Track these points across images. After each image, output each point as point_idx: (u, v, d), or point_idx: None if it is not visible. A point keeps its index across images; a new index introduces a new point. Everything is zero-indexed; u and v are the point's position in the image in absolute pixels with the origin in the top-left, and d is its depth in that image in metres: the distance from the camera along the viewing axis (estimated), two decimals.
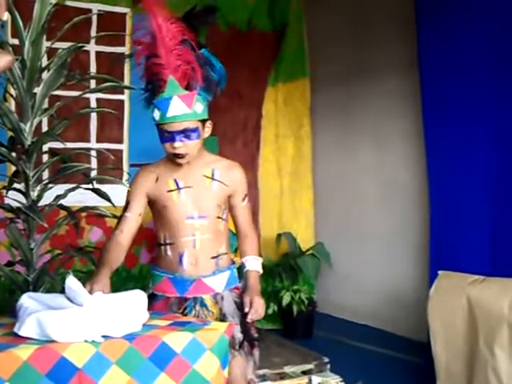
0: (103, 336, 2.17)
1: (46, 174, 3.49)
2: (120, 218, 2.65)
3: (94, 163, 4.83)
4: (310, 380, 3.89)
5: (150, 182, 2.62)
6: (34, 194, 3.01)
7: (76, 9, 4.66)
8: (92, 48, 5.23)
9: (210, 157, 2.70)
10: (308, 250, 5.77)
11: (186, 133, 2.47)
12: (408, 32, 4.76)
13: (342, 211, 5.91)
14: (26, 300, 2.34)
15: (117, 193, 3.99)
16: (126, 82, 5.34)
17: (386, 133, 5.38)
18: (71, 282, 2.26)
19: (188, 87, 2.47)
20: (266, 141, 6.05)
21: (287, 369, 3.99)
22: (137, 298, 2.37)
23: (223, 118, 5.85)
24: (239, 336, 2.60)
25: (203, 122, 2.55)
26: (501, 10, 3.88)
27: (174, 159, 2.56)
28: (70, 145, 3.53)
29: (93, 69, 5.23)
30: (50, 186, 3.08)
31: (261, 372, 3.88)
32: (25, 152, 2.96)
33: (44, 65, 3.05)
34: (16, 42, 2.97)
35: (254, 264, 2.75)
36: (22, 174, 2.99)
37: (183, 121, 2.46)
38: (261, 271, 2.76)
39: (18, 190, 3.05)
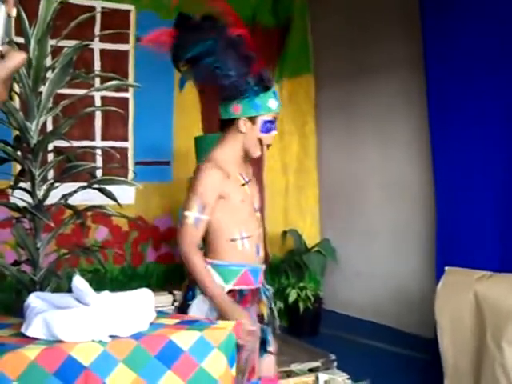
0: (110, 335, 2.17)
1: (51, 173, 3.48)
2: (197, 223, 2.57)
3: (99, 161, 4.83)
4: (317, 377, 3.88)
5: (222, 180, 2.59)
6: (40, 193, 3.01)
7: (80, 6, 4.65)
8: (96, 45, 5.23)
9: None
10: (314, 246, 5.77)
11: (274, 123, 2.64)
12: (413, 29, 4.75)
13: (348, 208, 5.90)
14: (34, 300, 2.33)
15: (122, 191, 4.00)
16: (131, 79, 5.35)
17: (391, 130, 5.37)
18: (78, 282, 2.26)
19: None
20: None
21: (294, 366, 3.99)
22: (144, 297, 2.37)
23: None
24: (277, 322, 2.74)
25: None
26: (506, 8, 3.86)
27: (256, 151, 2.67)
28: (75, 143, 3.54)
29: (97, 66, 5.23)
30: (56, 184, 3.08)
31: None
32: (30, 151, 2.96)
33: (49, 63, 3.05)
34: (21, 40, 2.97)
35: None
36: (27, 173, 2.99)
37: (278, 112, 2.65)
38: None
39: (24, 189, 3.05)
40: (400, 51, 5.21)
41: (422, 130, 4.76)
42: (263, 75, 2.60)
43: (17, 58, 0.96)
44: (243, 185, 2.65)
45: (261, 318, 2.66)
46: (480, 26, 4.01)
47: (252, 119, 2.61)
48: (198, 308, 2.55)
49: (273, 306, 2.74)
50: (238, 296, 2.60)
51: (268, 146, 2.66)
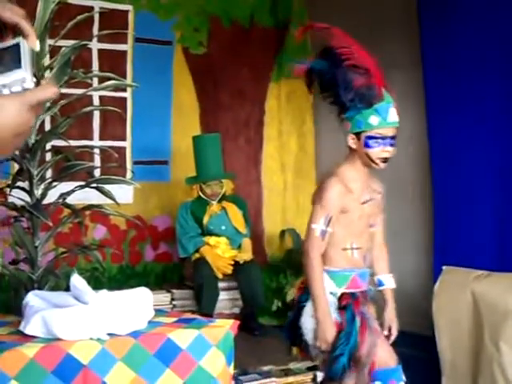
0: (108, 333, 2.17)
1: (49, 172, 3.48)
2: (323, 235, 2.74)
3: (97, 161, 4.83)
4: (315, 376, 3.89)
5: (344, 195, 2.74)
6: (38, 193, 3.01)
7: (78, 6, 4.65)
8: (94, 45, 5.23)
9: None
10: None
11: (394, 139, 2.71)
12: (411, 31, 4.75)
13: None
14: (32, 298, 2.34)
15: (120, 190, 4.00)
16: (129, 79, 5.35)
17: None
18: (76, 280, 2.27)
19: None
20: (269, 137, 6.04)
21: (292, 365, 4.00)
22: (142, 296, 2.38)
23: (226, 114, 5.85)
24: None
25: None
26: (504, 9, 3.87)
27: (372, 165, 2.75)
28: (73, 142, 3.54)
29: (95, 66, 5.22)
30: (54, 184, 3.08)
31: (265, 368, 3.89)
32: (28, 150, 2.96)
33: (47, 63, 3.05)
34: None
35: (391, 282, 2.95)
36: (25, 173, 2.99)
37: (395, 127, 2.71)
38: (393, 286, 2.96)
39: (22, 189, 3.05)
40: (399, 54, 5.21)
41: (420, 131, 4.76)
42: (366, 92, 2.68)
43: (49, 90, 0.98)
44: (363, 203, 2.77)
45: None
46: (478, 30, 4.03)
47: (357, 135, 2.73)
48: (311, 310, 2.76)
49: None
50: (351, 298, 2.76)
51: (383, 159, 2.71)
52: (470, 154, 4.10)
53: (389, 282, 2.93)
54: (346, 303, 2.74)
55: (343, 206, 2.73)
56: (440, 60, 4.25)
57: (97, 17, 5.09)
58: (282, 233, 5.77)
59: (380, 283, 2.95)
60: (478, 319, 3.49)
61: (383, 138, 2.69)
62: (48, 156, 3.54)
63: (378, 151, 2.70)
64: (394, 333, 2.94)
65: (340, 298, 2.76)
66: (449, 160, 4.09)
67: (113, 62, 5.30)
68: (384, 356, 2.81)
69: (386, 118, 2.69)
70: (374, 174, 2.89)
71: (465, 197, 3.88)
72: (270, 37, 6.00)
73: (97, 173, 4.48)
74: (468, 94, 4.09)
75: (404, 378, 2.88)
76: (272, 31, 6.01)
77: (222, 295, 4.81)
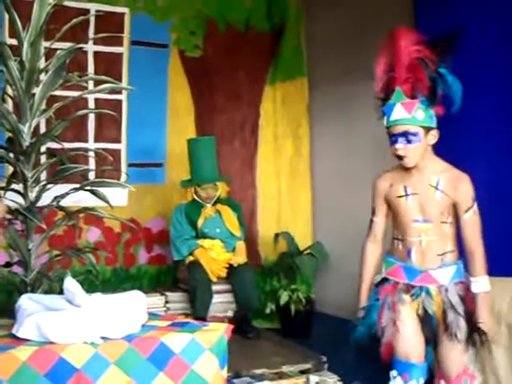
0: (102, 337, 2.17)
1: (44, 175, 3.49)
2: (370, 223, 3.06)
3: (92, 163, 4.83)
4: (308, 379, 3.88)
5: (385, 187, 2.94)
6: (32, 195, 3.02)
7: (74, 9, 4.66)
8: (90, 48, 5.23)
9: (441, 165, 2.85)
10: (306, 249, 5.77)
11: (407, 136, 2.72)
12: None
13: (341, 211, 5.91)
14: (25, 301, 2.34)
15: (114, 193, 4.00)
16: (124, 82, 5.35)
17: (385, 133, 5.37)
18: (69, 284, 2.27)
19: (413, 97, 2.75)
20: (265, 140, 6.04)
21: (285, 368, 3.99)
22: (135, 299, 2.38)
23: (221, 117, 5.85)
24: (463, 324, 2.76)
25: (428, 129, 2.75)
26: (499, 9, 3.88)
27: (399, 162, 2.81)
28: (67, 145, 3.54)
29: (91, 69, 5.22)
30: (49, 186, 3.08)
31: (258, 371, 3.89)
32: (23, 153, 2.96)
33: (42, 65, 3.05)
34: (14, 42, 2.97)
35: (478, 287, 2.82)
36: (20, 175, 3.00)
37: (403, 124, 2.73)
38: (487, 289, 2.85)
39: (16, 191, 3.06)
40: None
41: None
42: (384, 89, 2.87)
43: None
44: (399, 197, 2.86)
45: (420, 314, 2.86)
46: (473, 30, 4.04)
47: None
48: None
49: (427, 306, 2.85)
50: (386, 283, 2.91)
51: (399, 157, 2.78)
52: (465, 156, 4.11)
53: (474, 287, 2.82)
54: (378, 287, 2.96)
55: (386, 198, 2.94)
56: None
57: (93, 19, 5.09)
58: (277, 236, 5.77)
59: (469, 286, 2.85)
60: None
61: (393, 135, 2.78)
62: (43, 159, 3.54)
63: (392, 148, 2.80)
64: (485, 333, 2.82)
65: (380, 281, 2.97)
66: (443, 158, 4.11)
67: (108, 65, 5.30)
68: (406, 349, 2.83)
69: (389, 117, 2.81)
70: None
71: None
72: (266, 40, 6.00)
73: (91, 175, 4.52)
74: (463, 96, 4.11)
75: (422, 378, 2.86)
76: (268, 35, 6.01)
77: (216, 298, 4.81)
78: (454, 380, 2.80)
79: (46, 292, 2.98)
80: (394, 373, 2.90)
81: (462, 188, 2.76)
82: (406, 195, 2.84)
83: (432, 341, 2.88)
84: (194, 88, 5.74)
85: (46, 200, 3.12)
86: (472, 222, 2.79)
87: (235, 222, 5.01)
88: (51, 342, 2.11)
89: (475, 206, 2.78)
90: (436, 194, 2.78)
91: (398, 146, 2.74)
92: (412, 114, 2.72)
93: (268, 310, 5.53)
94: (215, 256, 4.86)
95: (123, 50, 5.41)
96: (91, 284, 3.66)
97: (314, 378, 3.89)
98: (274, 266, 5.76)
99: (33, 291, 2.95)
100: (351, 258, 5.70)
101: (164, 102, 5.62)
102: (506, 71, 3.90)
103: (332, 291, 5.93)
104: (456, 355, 2.79)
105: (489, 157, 4.01)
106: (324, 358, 4.11)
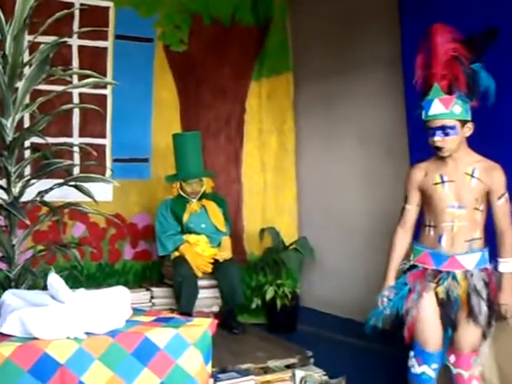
0: (86, 333, 2.17)
1: (27, 170, 3.46)
2: (402, 211, 3.28)
3: (76, 158, 4.81)
4: (294, 374, 3.89)
5: (419, 176, 3.15)
6: (15, 191, 3.00)
7: (58, 2, 4.62)
8: (74, 42, 5.20)
9: (474, 156, 3.07)
10: (291, 244, 5.78)
11: (444, 129, 2.94)
12: (392, 29, 4.76)
13: (326, 206, 5.92)
14: (8, 297, 2.33)
15: (99, 188, 3.98)
16: (109, 76, 5.33)
17: (370, 128, 5.39)
18: (53, 279, 2.26)
19: (450, 92, 2.96)
20: (250, 136, 6.04)
21: (271, 363, 3.99)
22: (119, 295, 2.37)
23: (206, 112, 5.84)
24: (485, 309, 2.97)
25: (464, 122, 2.98)
26: (483, 10, 3.90)
27: (437, 152, 3.04)
28: (52, 140, 3.51)
29: (75, 63, 5.19)
30: (32, 181, 3.06)
31: (244, 366, 3.89)
32: (6, 148, 2.94)
33: (26, 59, 3.03)
34: None
35: (506, 267, 3.02)
36: (3, 170, 2.98)
37: (441, 119, 2.94)
38: None
39: (0, 187, 3.04)
40: (380, 50, 5.23)
41: (400, 128, 4.78)
42: (423, 85, 3.06)
43: None
44: (435, 184, 3.07)
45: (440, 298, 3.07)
46: (457, 28, 4.05)
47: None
48: None
49: (452, 290, 3.03)
50: (415, 270, 3.12)
51: (438, 148, 3.00)
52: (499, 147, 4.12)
53: (502, 267, 3.02)
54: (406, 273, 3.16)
55: (420, 186, 3.16)
56: None
57: (77, 13, 5.06)
58: (262, 231, 5.78)
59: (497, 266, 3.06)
60: None
61: (431, 128, 2.99)
62: (26, 153, 3.52)
63: (430, 140, 3.01)
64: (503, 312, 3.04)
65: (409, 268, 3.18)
66: (428, 155, 4.12)
67: (93, 59, 5.27)
68: (424, 336, 3.07)
69: (427, 111, 3.00)
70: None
71: None
72: (251, 35, 6.00)
73: (76, 170, 4.49)
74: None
75: (435, 364, 3.08)
76: (253, 30, 6.01)
77: (202, 293, 4.81)
78: (464, 355, 3.02)
79: (30, 287, 2.96)
80: (411, 353, 3.16)
81: (496, 176, 3.00)
82: (443, 182, 3.05)
83: (451, 325, 3.09)
84: (179, 83, 5.73)
85: (29, 195, 3.10)
86: (504, 208, 3.03)
87: (220, 217, 5.01)
88: (35, 338, 2.10)
89: (507, 195, 3.03)
90: (472, 182, 3.01)
91: (436, 138, 2.96)
92: (449, 109, 2.94)
93: (254, 305, 5.54)
94: (200, 251, 4.86)
95: (108, 44, 5.39)
96: (76, 279, 3.64)
97: (299, 372, 3.89)
98: (260, 261, 5.77)
99: (17, 287, 2.93)
100: (336, 252, 5.74)
101: (149, 97, 5.60)
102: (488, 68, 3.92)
103: (317, 286, 5.95)
104: (472, 336, 3.00)
105: None
106: (310, 353, 4.12)
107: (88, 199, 3.17)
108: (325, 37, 5.86)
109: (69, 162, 3.22)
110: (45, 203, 3.06)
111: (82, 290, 2.29)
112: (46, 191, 3.03)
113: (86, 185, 3.13)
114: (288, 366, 4.00)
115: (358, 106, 5.49)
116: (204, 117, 5.83)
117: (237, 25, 5.94)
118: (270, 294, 5.46)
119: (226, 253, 4.91)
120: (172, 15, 5.65)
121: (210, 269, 4.83)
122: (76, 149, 4.56)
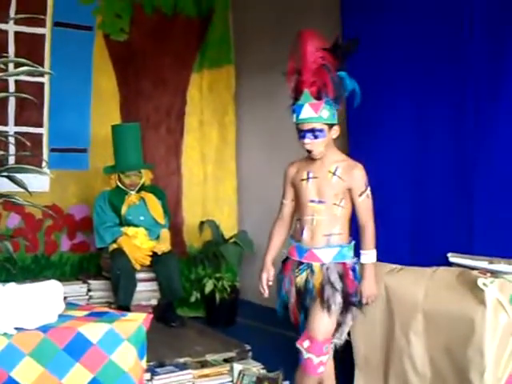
0: (16, 328, 2.12)
1: None
2: (280, 205, 3.42)
3: (11, 148, 4.68)
4: (232, 368, 3.90)
5: (292, 173, 3.32)
6: None
7: None
8: (11, 28, 5.07)
9: (339, 156, 3.25)
10: (231, 237, 5.78)
11: (314, 132, 3.09)
12: (333, 23, 4.79)
13: (266, 199, 5.90)
14: None
15: (35, 178, 3.89)
16: (47, 65, 5.21)
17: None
18: None
19: (319, 98, 3.08)
20: (190, 127, 6.00)
21: (209, 357, 3.99)
22: (51, 289, 2.32)
23: (147, 103, 5.78)
24: (339, 300, 3.13)
25: (331, 125, 3.13)
26: (423, 12, 3.97)
27: (308, 154, 3.19)
28: None
29: (11, 50, 5.05)
30: None
31: (182, 360, 3.88)
32: None
33: None
34: None
35: (366, 258, 3.25)
36: None
37: (310, 122, 3.08)
38: (373, 261, 3.27)
39: None
40: None
41: (340, 122, 4.83)
42: (294, 90, 3.14)
43: None
44: (302, 180, 3.23)
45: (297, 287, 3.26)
46: (398, 29, 4.12)
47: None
48: None
49: (308, 281, 3.21)
50: (287, 261, 3.30)
51: (308, 151, 3.16)
52: (387, 153, 4.19)
53: (363, 258, 3.25)
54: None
55: (292, 182, 3.31)
56: (360, 54, 4.31)
57: None
58: (202, 224, 5.75)
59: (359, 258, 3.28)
60: (390, 312, 3.56)
61: (301, 131, 3.12)
62: None
63: (301, 142, 3.15)
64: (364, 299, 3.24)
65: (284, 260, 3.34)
66: (365, 158, 4.17)
67: (30, 46, 5.15)
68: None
69: (298, 115, 3.11)
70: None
71: (380, 196, 3.95)
72: (193, 26, 5.95)
73: (10, 160, 4.38)
74: (386, 94, 4.18)
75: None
76: (195, 21, 5.96)
77: (140, 286, 4.77)
78: (318, 342, 3.16)
79: None
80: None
81: (356, 174, 3.17)
82: (308, 178, 3.23)
83: (304, 313, 3.32)
84: (119, 73, 5.65)
85: None
86: (365, 204, 3.21)
87: (159, 209, 4.97)
88: None
89: (368, 191, 3.20)
90: (333, 179, 3.17)
91: (306, 140, 3.12)
92: (318, 114, 3.08)
93: (193, 299, 5.52)
94: (139, 244, 4.82)
95: (45, 31, 5.26)
96: (9, 272, 3.56)
97: (237, 366, 3.90)
98: (199, 254, 5.75)
99: None
100: None
101: (88, 86, 5.51)
102: (428, 67, 3.99)
103: (256, 280, 5.94)
104: (325, 324, 3.16)
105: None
106: (248, 347, 4.13)
107: (22, 190, 3.10)
108: (267, 30, 5.86)
109: (1, 152, 3.14)
110: None
111: (12, 284, 2.23)
112: None
113: (21, 175, 3.05)
114: (226, 360, 4.01)
115: None
116: (144, 107, 5.77)
117: (179, 15, 5.88)
118: (209, 288, 5.45)
119: (164, 245, 4.88)
120: (112, 3, 5.55)
121: (148, 261, 4.79)
122: (11, 139, 4.45)
